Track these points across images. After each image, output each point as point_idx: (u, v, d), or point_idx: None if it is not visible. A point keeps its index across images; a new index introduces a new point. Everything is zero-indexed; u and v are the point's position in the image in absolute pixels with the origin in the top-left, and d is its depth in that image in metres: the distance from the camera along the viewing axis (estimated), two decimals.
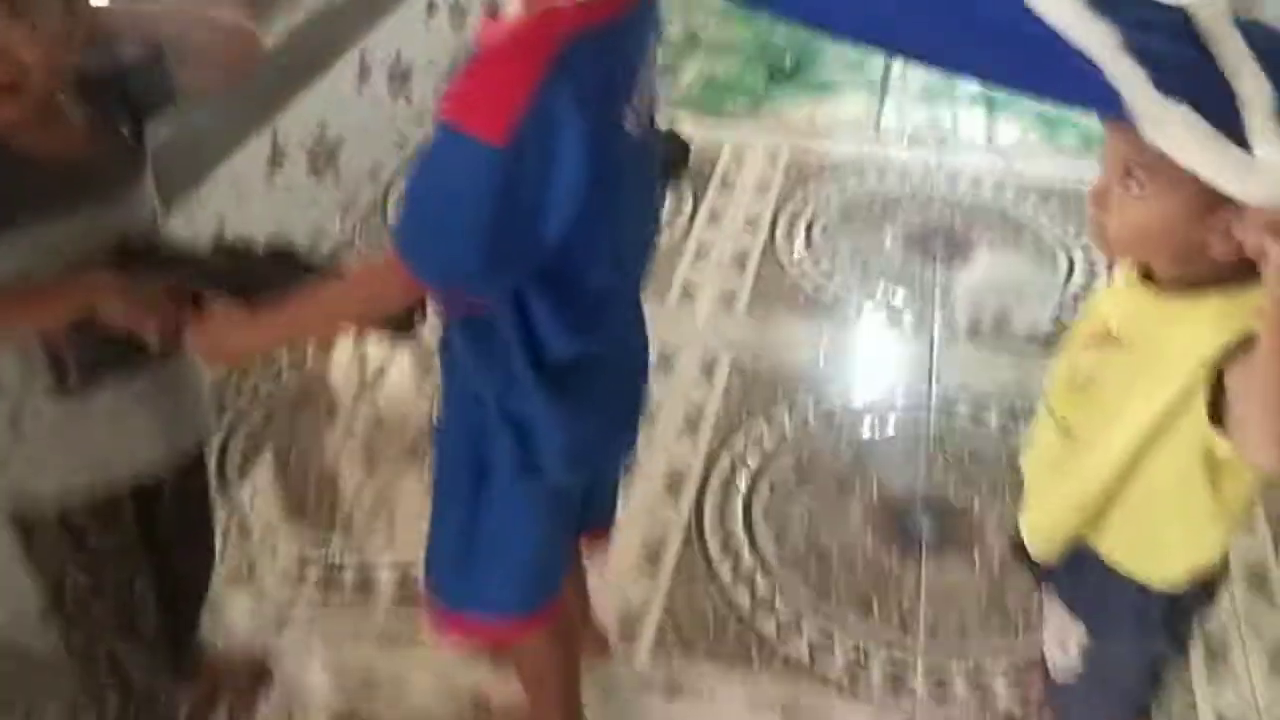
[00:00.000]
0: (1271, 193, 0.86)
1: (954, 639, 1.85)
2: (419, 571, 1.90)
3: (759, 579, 1.95)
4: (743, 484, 2.15)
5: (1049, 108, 3.54)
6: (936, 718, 1.74)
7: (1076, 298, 2.66)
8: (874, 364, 2.54)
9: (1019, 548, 1.39)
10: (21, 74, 1.09)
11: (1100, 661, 1.28)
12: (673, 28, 3.88)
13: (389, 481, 2.15)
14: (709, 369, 2.44)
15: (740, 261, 2.81)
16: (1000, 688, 1.77)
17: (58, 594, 1.38)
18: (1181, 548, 1.18)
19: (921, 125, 3.48)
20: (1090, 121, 3.46)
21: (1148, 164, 0.97)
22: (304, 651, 1.82)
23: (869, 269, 2.78)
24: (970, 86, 3.56)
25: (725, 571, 1.97)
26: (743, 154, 3.27)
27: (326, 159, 2.84)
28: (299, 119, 2.68)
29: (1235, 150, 0.86)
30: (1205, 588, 1.24)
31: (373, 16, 2.95)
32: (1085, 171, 3.12)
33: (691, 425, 2.29)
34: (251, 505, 2.09)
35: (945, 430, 2.26)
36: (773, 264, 2.80)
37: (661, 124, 3.24)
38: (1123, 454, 1.12)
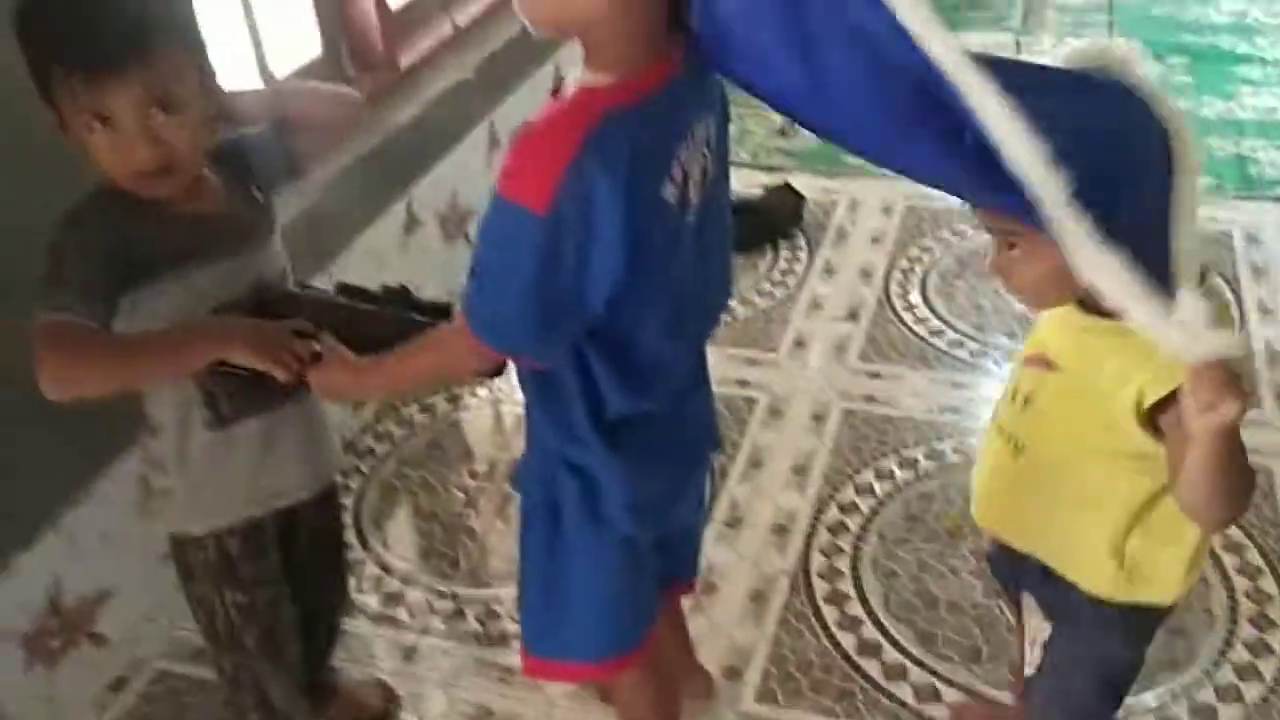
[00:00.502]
0: (1187, 347, 0.93)
1: None
2: None
3: (866, 626, 1.98)
4: (851, 532, 2.18)
5: None
6: None
7: None
8: (986, 414, 2.53)
9: (990, 558, 1.50)
10: (175, 159, 1.28)
11: (1057, 657, 1.34)
12: None
13: (514, 521, 2.26)
14: (819, 418, 2.49)
15: (853, 312, 2.85)
16: None
17: (211, 620, 1.53)
18: (1130, 570, 1.23)
19: None
20: (1218, 165, 3.35)
21: (1016, 229, 1.08)
22: (427, 685, 1.94)
23: (984, 319, 2.78)
24: None
25: (832, 618, 2.00)
26: (858, 206, 3.32)
27: (458, 224, 3.02)
28: (433, 188, 2.88)
29: (1158, 304, 0.94)
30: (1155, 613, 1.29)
31: (501, 92, 3.14)
32: (1217, 211, 3.08)
33: (800, 474, 2.33)
34: (386, 545, 2.24)
35: None
36: (886, 314, 2.83)
37: (778, 179, 3.34)
38: (1060, 473, 1.20)
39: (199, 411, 1.39)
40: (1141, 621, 1.31)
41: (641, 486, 1.32)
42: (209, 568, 1.48)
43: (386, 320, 1.32)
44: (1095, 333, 1.14)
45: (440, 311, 1.34)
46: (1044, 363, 1.23)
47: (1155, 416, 1.11)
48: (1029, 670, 1.40)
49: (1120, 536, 1.22)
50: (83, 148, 1.26)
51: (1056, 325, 1.22)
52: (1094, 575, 1.25)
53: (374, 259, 2.68)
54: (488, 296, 1.15)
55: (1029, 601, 1.39)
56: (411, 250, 2.83)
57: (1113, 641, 1.31)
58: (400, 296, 1.38)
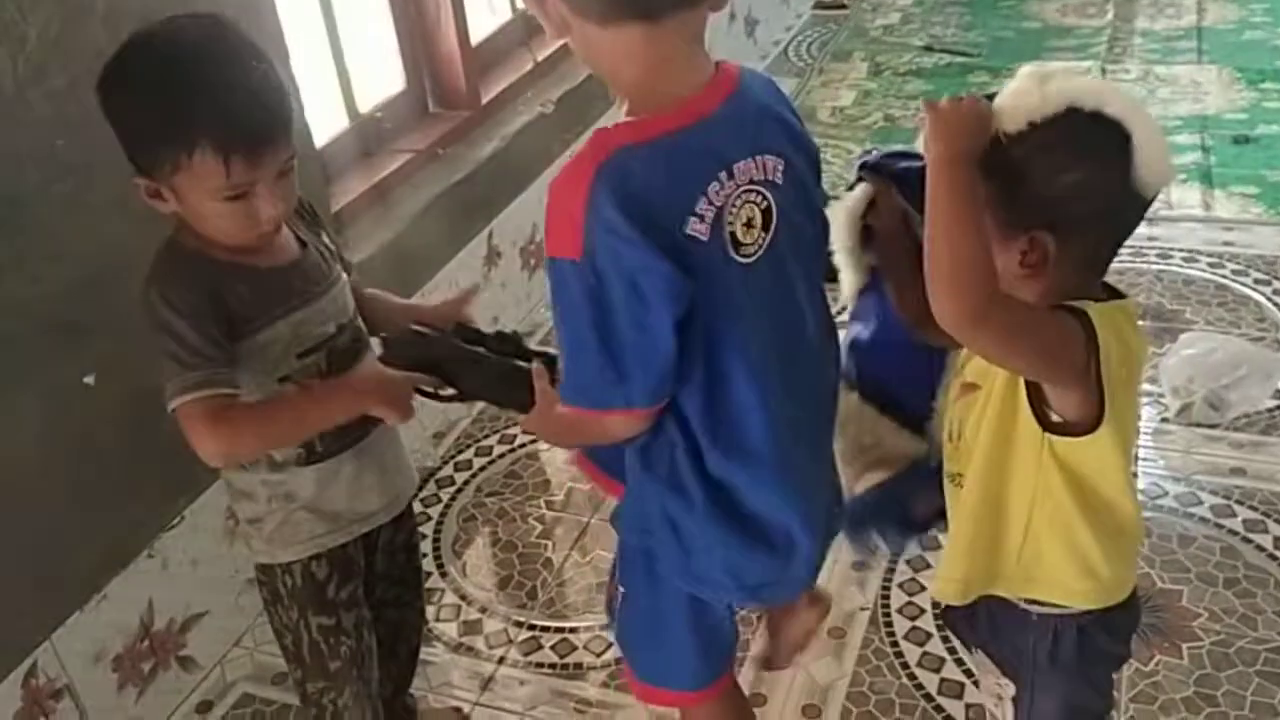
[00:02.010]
0: None
1: None
2: (608, 642, 2.01)
3: (948, 665, 1.94)
4: (930, 568, 2.14)
5: (1269, 174, 3.37)
6: None
7: None
8: None
9: (945, 617, 1.49)
10: (278, 226, 1.36)
11: (1028, 713, 1.31)
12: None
13: (590, 553, 2.27)
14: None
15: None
16: None
17: (296, 645, 1.55)
18: (1068, 571, 1.21)
19: None
20: None
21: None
22: (504, 715, 1.95)
23: None
24: (1184, 157, 3.44)
25: (912, 657, 1.96)
26: None
27: (537, 256, 3.06)
28: (513, 221, 2.92)
29: None
30: (1112, 626, 1.25)
31: (580, 125, 3.18)
32: None
33: None
34: (464, 573, 2.26)
35: (1153, 518, 2.18)
36: None
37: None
38: (983, 488, 1.19)
39: (294, 450, 1.43)
40: (1096, 650, 1.27)
41: (738, 559, 1.28)
42: (295, 593, 1.51)
43: (496, 366, 1.36)
44: None
45: (550, 360, 1.32)
46: (967, 389, 1.21)
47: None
48: None
49: (1065, 541, 1.21)
50: (190, 216, 1.31)
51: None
52: (1051, 586, 1.23)
53: (458, 288, 2.72)
54: (571, 360, 1.15)
55: (980, 659, 1.37)
56: (493, 281, 2.87)
57: (1074, 681, 1.28)
58: (512, 342, 1.40)
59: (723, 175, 1.12)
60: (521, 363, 1.34)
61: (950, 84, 4.18)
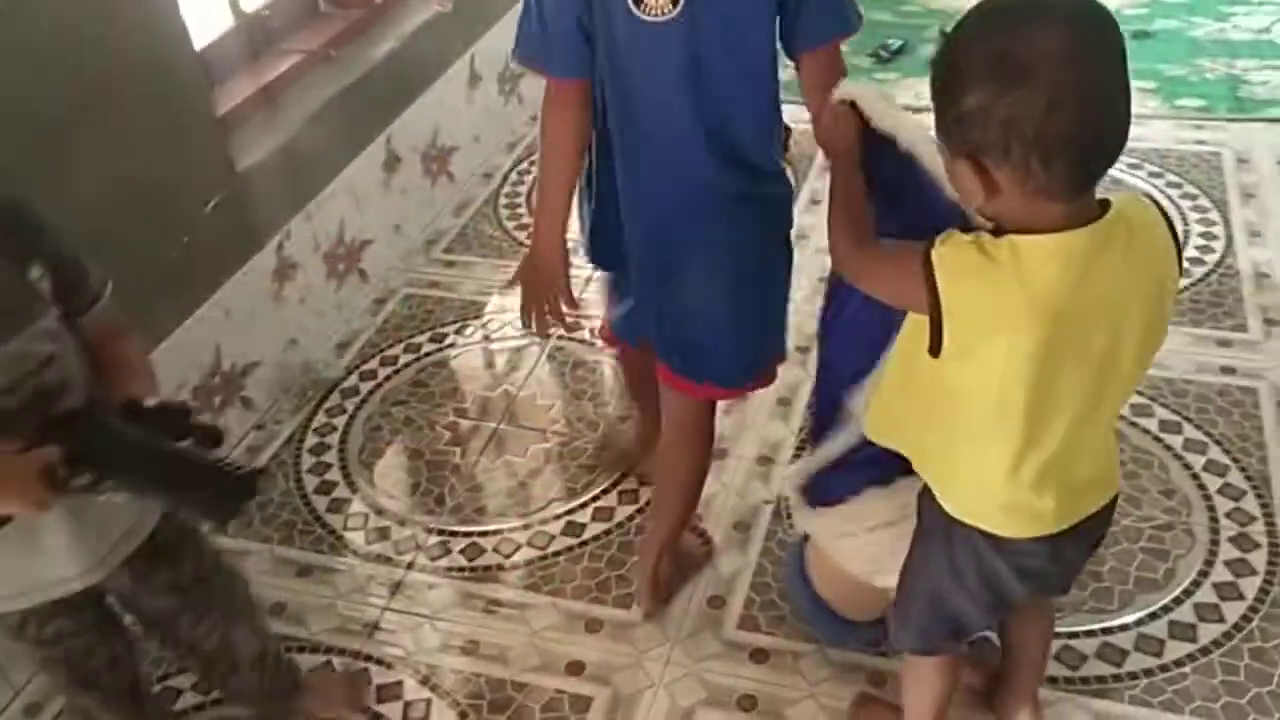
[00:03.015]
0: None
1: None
2: (517, 543, 2.02)
3: None
4: None
5: (1166, 69, 3.43)
6: None
7: (1194, 262, 2.60)
8: None
9: None
10: None
11: (905, 575, 1.43)
12: None
13: (499, 458, 2.27)
14: (805, 350, 2.47)
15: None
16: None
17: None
18: (948, 470, 1.29)
19: None
20: (1209, 87, 3.28)
21: None
22: (415, 619, 1.96)
23: None
24: None
25: None
26: None
27: (440, 162, 2.99)
28: (411, 125, 2.84)
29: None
30: (994, 545, 1.29)
31: (482, 26, 3.09)
32: (1206, 134, 3.05)
33: (785, 405, 2.34)
34: (371, 483, 2.24)
35: None
36: None
37: None
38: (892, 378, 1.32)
39: None
40: (963, 549, 1.32)
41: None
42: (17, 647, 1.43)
43: (145, 448, 1.19)
44: None
45: (213, 438, 1.22)
46: None
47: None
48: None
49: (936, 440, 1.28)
50: None
51: None
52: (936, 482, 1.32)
53: (354, 198, 2.65)
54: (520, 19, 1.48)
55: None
56: (393, 189, 2.81)
57: (939, 564, 1.36)
58: (178, 415, 1.23)
59: None
60: (182, 440, 1.19)
61: None
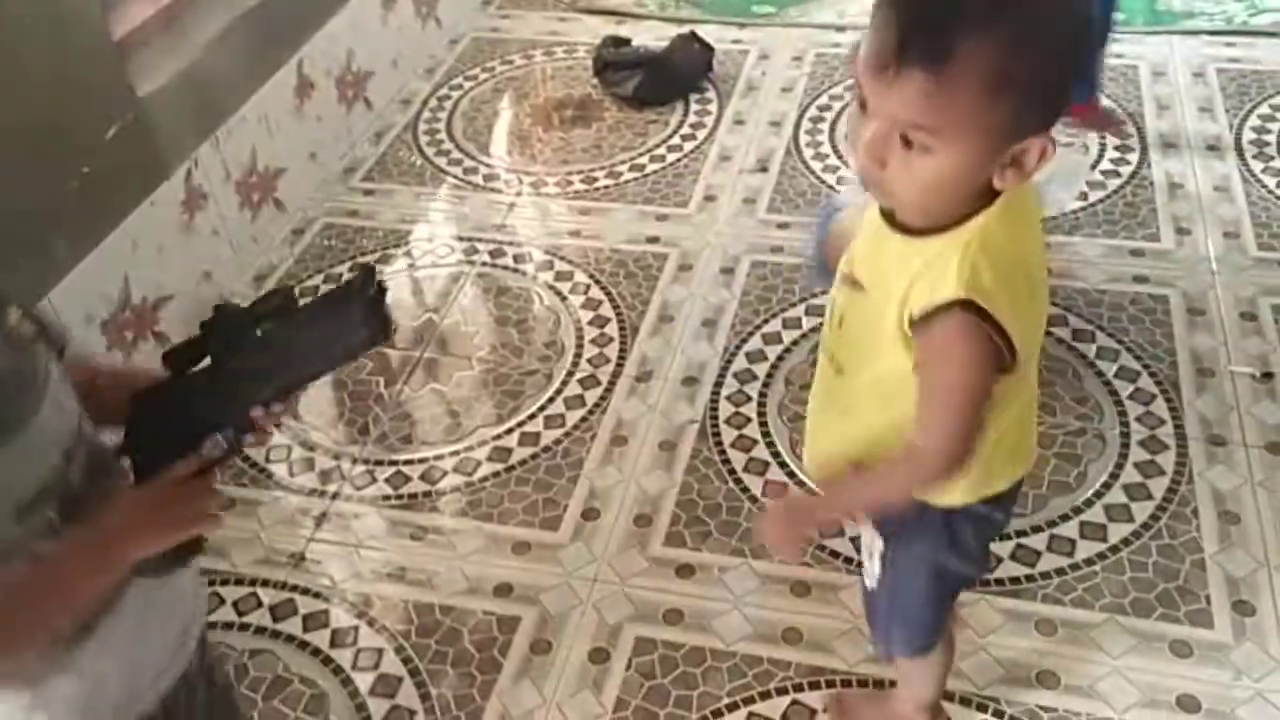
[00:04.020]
0: None
1: None
2: (444, 470, 2.01)
3: (771, 469, 2.02)
4: (759, 380, 2.20)
5: None
6: None
7: (1109, 175, 2.64)
8: None
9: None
10: None
11: (893, 570, 1.32)
12: None
13: (424, 387, 2.25)
14: (729, 271, 2.48)
15: (763, 164, 2.82)
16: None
17: None
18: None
19: None
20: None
21: (931, 126, 0.95)
22: (342, 548, 1.95)
23: None
24: None
25: (739, 463, 2.04)
26: (768, 56, 3.26)
27: (355, 87, 2.91)
28: (324, 48, 2.76)
29: None
30: (992, 504, 1.25)
31: None
32: (1123, 46, 3.07)
33: (710, 326, 2.34)
34: (294, 415, 2.21)
35: None
36: (796, 165, 2.80)
37: (686, 28, 3.27)
38: (872, 388, 1.14)
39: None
40: (965, 527, 1.28)
41: None
42: None
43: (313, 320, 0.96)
44: (890, 248, 1.08)
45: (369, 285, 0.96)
46: (853, 281, 1.14)
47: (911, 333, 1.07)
48: (870, 584, 1.38)
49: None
50: None
51: (866, 241, 1.13)
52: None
53: (266, 125, 2.58)
54: None
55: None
56: (307, 115, 2.73)
57: (938, 540, 1.28)
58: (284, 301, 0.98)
59: None
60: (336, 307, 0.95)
61: None
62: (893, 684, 1.63)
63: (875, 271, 1.11)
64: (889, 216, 1.08)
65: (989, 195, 1.02)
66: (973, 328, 1.01)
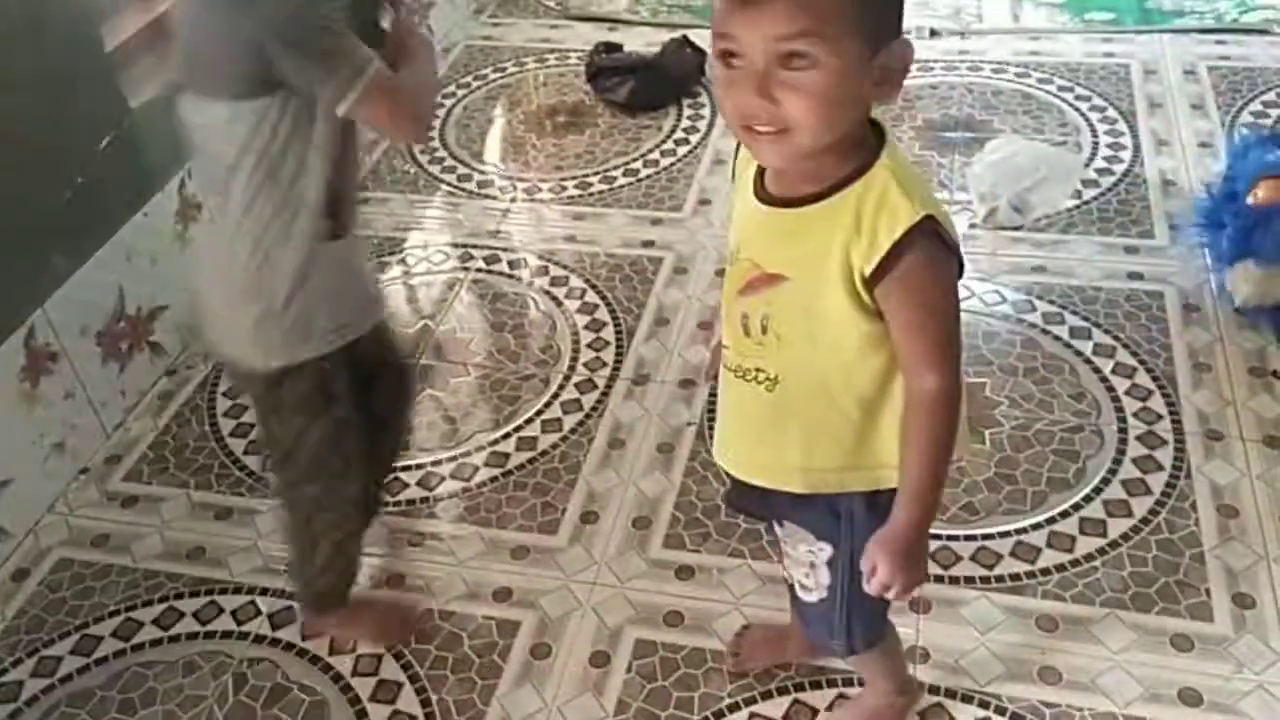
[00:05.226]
0: None
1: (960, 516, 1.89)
2: (441, 476, 2.00)
3: None
4: None
5: None
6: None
7: (1103, 172, 2.64)
8: None
9: (730, 499, 1.49)
10: None
11: (847, 570, 1.28)
12: None
13: (418, 395, 2.25)
14: (723, 274, 2.47)
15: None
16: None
17: (294, 451, 1.54)
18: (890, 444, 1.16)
19: (945, 13, 3.42)
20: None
21: (806, 28, 0.95)
22: None
23: None
24: None
25: None
26: None
27: None
28: None
29: None
30: None
31: None
32: (1114, 45, 3.09)
33: (706, 329, 2.34)
34: None
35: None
36: None
37: (678, 34, 3.27)
38: (830, 371, 1.13)
39: (323, 223, 1.39)
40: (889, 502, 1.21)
41: None
42: (306, 395, 1.48)
43: None
44: (796, 225, 1.08)
45: None
46: (767, 281, 1.11)
47: (872, 289, 1.06)
48: (815, 596, 1.34)
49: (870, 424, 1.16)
50: None
51: (763, 237, 1.13)
52: (870, 477, 1.20)
53: None
54: None
55: (790, 530, 1.32)
56: None
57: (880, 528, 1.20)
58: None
59: None
60: None
61: None
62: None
63: (793, 255, 1.09)
64: (776, 200, 1.10)
65: (877, 136, 1.08)
66: (939, 246, 1.04)
